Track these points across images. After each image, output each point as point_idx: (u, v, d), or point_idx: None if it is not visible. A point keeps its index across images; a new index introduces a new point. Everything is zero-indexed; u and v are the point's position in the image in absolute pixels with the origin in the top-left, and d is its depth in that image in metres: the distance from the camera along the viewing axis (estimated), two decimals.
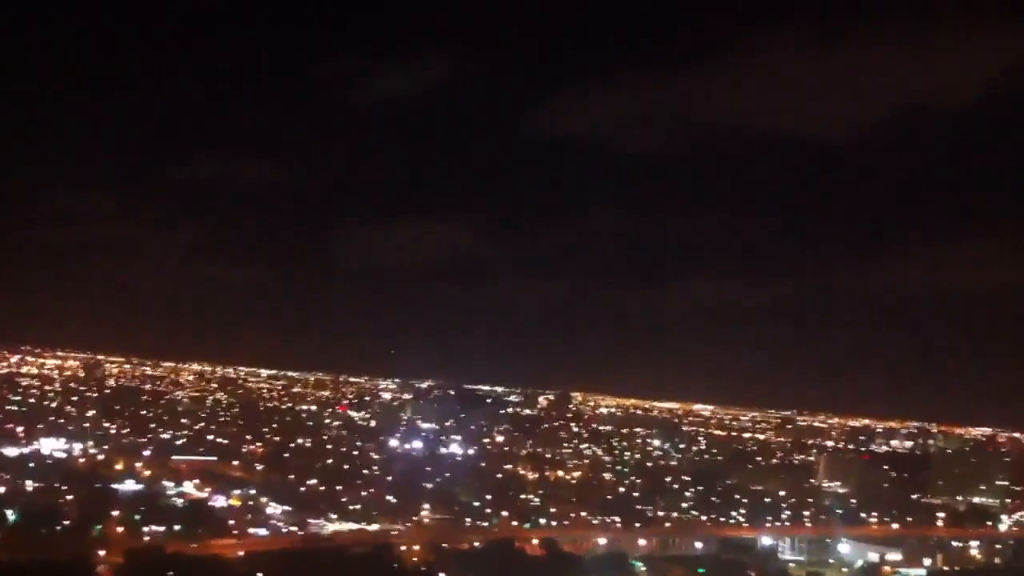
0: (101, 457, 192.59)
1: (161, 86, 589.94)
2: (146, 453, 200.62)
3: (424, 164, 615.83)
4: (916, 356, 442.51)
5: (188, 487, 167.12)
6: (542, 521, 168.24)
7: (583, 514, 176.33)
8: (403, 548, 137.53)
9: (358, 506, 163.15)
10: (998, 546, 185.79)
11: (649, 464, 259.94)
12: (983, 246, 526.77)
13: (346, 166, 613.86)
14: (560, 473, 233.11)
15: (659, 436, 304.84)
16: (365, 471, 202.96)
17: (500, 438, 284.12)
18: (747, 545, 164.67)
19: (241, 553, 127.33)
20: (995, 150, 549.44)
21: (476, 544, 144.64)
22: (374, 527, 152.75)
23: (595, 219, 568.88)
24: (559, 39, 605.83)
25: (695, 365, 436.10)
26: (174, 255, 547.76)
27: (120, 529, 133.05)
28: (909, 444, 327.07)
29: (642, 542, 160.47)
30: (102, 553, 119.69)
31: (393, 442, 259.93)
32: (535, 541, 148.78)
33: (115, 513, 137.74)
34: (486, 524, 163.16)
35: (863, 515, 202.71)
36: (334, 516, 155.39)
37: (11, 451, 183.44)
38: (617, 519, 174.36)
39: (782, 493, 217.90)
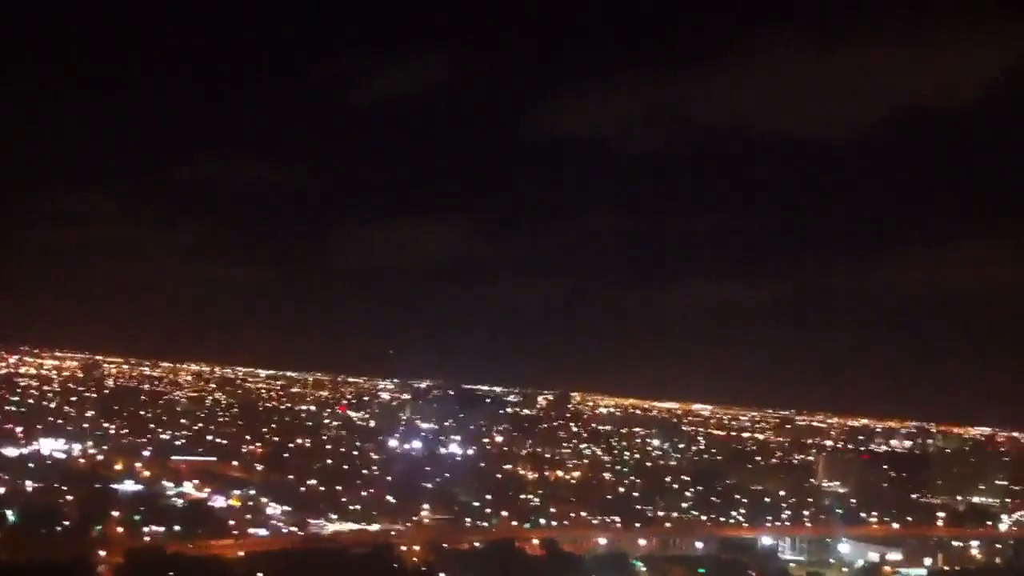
0: (101, 457, 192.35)
1: (161, 86, 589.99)
2: (146, 453, 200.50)
3: (424, 164, 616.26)
4: (915, 356, 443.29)
5: (188, 487, 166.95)
6: (542, 521, 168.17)
7: (583, 514, 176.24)
8: (403, 548, 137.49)
9: (358, 506, 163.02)
10: (998, 546, 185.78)
11: (649, 464, 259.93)
12: (983, 246, 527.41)
13: (346, 166, 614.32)
14: (560, 473, 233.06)
15: (659, 436, 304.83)
16: (365, 471, 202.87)
17: (499, 438, 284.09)
18: (747, 545, 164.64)
19: (241, 553, 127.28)
20: (995, 150, 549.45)
21: (476, 544, 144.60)
22: (374, 527, 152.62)
23: (595, 219, 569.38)
24: (559, 39, 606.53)
25: (695, 365, 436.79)
26: (174, 255, 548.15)
27: (120, 529, 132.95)
28: (908, 444, 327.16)
29: (642, 542, 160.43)
30: (102, 553, 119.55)
31: (392, 442, 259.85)
32: (535, 541, 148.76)
33: (115, 513, 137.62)
34: (486, 524, 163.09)
35: (863, 515, 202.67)
36: (334, 516, 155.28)
37: (10, 451, 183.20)
38: (617, 519, 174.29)
39: (782, 493, 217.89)
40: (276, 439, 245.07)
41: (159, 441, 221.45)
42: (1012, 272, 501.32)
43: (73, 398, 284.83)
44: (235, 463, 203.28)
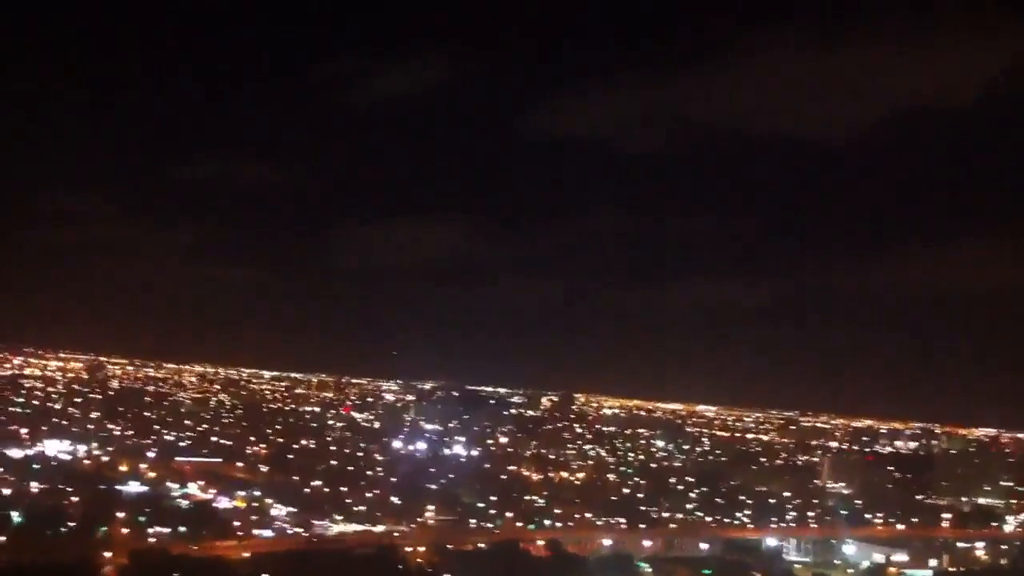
0: (105, 459, 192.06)
1: (161, 86, 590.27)
2: (150, 455, 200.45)
3: (424, 164, 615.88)
4: (920, 357, 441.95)
5: (192, 488, 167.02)
6: (546, 522, 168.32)
7: (587, 515, 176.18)
8: (408, 549, 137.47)
9: (362, 507, 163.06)
10: (1004, 547, 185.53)
11: (653, 465, 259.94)
12: (987, 246, 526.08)
13: (346, 166, 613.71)
14: (564, 474, 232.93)
15: (663, 437, 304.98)
16: (369, 472, 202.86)
17: (504, 439, 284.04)
18: (752, 546, 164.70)
19: (246, 554, 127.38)
20: (995, 150, 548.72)
21: (480, 545, 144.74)
22: (379, 528, 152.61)
23: (596, 219, 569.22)
24: (559, 39, 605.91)
25: (698, 366, 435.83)
26: (176, 256, 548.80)
27: (125, 531, 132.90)
28: (913, 445, 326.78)
29: (647, 543, 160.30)
30: (107, 555, 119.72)
31: (397, 443, 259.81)
32: (540, 542, 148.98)
33: (120, 515, 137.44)
34: (490, 525, 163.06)
35: (868, 516, 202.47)
36: (339, 517, 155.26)
37: (15, 453, 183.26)
38: (622, 520, 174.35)
39: (787, 494, 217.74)
40: (280, 440, 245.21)
41: (164, 442, 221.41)
42: (1016, 272, 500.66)
43: (78, 399, 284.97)
44: (240, 464, 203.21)
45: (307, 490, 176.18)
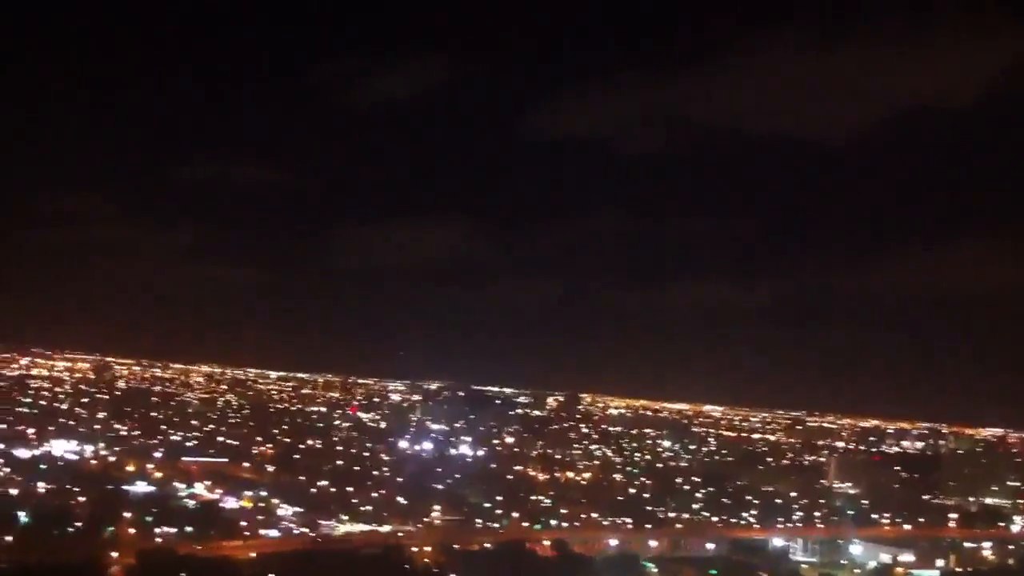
0: (112, 459, 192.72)
1: (162, 86, 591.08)
2: (157, 455, 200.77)
3: (427, 165, 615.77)
4: (926, 357, 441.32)
5: (199, 488, 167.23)
6: (553, 522, 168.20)
7: (594, 515, 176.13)
8: (414, 549, 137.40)
9: (369, 507, 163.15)
10: (1011, 547, 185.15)
11: (659, 465, 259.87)
12: (990, 245, 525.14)
13: (349, 166, 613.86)
14: (570, 474, 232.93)
15: (669, 437, 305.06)
16: (375, 472, 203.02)
17: (510, 439, 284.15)
18: (758, 546, 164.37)
19: (252, 554, 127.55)
20: (996, 150, 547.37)
21: (487, 545, 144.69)
22: (385, 528, 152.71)
23: (597, 220, 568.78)
24: (559, 39, 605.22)
25: (704, 366, 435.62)
26: (182, 257, 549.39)
27: (131, 531, 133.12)
28: (920, 445, 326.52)
29: (653, 543, 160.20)
30: (114, 555, 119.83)
31: (403, 443, 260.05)
32: (546, 542, 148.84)
33: (126, 515, 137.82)
34: (497, 525, 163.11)
35: (875, 516, 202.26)
36: (345, 517, 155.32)
37: (23, 453, 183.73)
38: (628, 520, 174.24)
39: (793, 494, 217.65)
40: (287, 440, 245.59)
41: (170, 442, 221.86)
42: (1020, 272, 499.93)
43: (85, 400, 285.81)
44: (246, 464, 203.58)
45: (313, 490, 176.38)
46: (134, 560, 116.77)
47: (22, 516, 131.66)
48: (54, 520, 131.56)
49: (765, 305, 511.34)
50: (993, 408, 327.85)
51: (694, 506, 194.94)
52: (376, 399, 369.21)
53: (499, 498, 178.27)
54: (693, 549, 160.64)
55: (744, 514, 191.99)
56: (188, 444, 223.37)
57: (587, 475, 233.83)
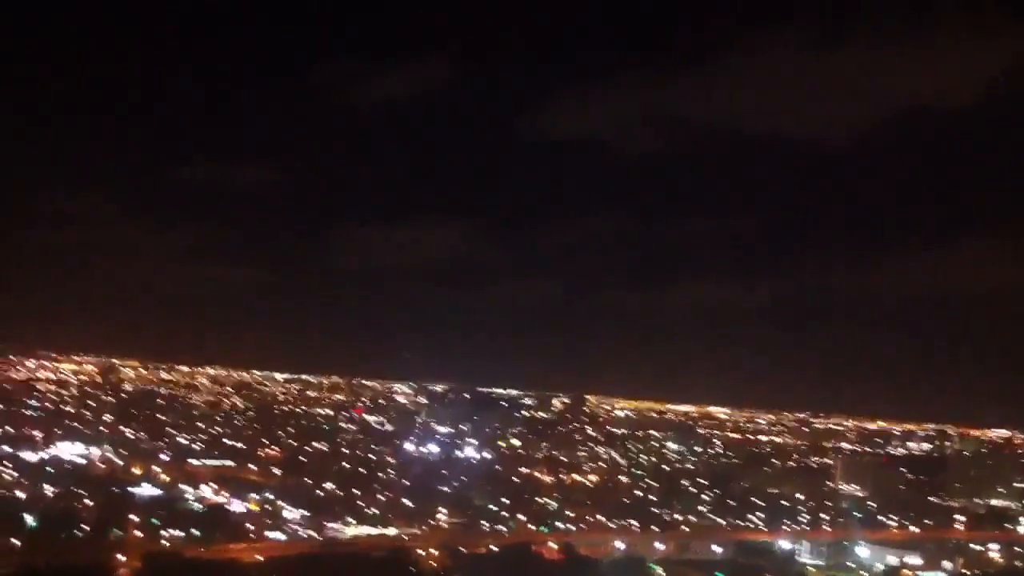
0: (119, 462, 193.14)
1: (163, 88, 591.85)
2: (163, 457, 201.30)
3: (429, 166, 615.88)
4: (932, 358, 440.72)
5: (206, 491, 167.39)
6: (559, 525, 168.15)
7: (600, 517, 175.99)
8: (420, 552, 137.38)
9: (375, 510, 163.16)
10: (1017, 548, 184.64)
11: (665, 467, 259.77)
12: (997, 245, 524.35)
13: (352, 168, 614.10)
14: (576, 476, 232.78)
15: (675, 439, 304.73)
16: (381, 475, 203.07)
17: (515, 441, 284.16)
18: (765, 548, 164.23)
19: (259, 557, 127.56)
20: (997, 150, 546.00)
21: (493, 548, 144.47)
22: (391, 531, 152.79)
23: (602, 220, 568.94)
24: (558, 41, 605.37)
25: (710, 368, 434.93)
26: (188, 258, 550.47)
27: (138, 533, 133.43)
28: (927, 447, 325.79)
29: (659, 545, 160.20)
30: (120, 557, 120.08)
31: (409, 446, 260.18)
32: (552, 545, 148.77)
33: (133, 517, 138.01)
34: (503, 528, 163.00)
35: (881, 518, 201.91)
36: (351, 520, 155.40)
37: (30, 456, 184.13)
38: (634, 522, 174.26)
39: (799, 496, 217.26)
40: (293, 443, 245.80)
41: (177, 445, 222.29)
42: None
43: (91, 402, 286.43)
44: (252, 467, 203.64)
45: (319, 493, 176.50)
46: (140, 563, 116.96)
47: (29, 519, 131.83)
48: (61, 523, 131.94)
49: (770, 306, 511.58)
50: (1000, 410, 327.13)
51: (700, 508, 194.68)
52: (382, 401, 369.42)
53: (505, 500, 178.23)
54: (699, 551, 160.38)
55: (750, 516, 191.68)
56: (194, 447, 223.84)
57: (593, 477, 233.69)
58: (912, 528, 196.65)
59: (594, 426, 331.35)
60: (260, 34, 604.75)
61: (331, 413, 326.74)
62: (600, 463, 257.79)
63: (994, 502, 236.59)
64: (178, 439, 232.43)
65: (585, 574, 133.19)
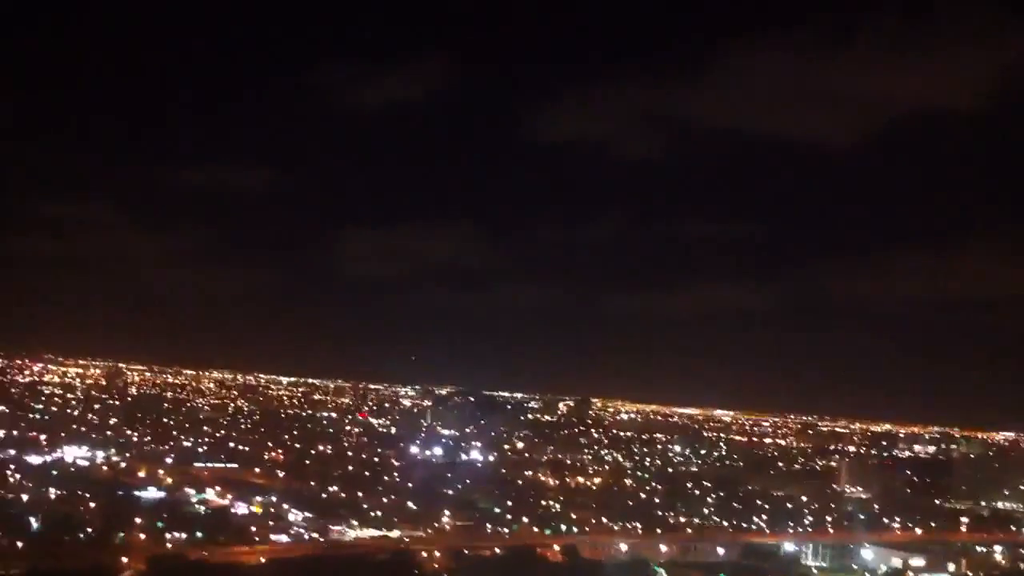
0: (123, 465, 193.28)
1: (160, 91, 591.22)
2: (168, 460, 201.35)
3: (430, 168, 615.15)
4: (937, 360, 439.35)
5: (210, 494, 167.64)
6: (563, 527, 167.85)
7: (604, 520, 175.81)
8: (424, 554, 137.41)
9: (379, 512, 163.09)
10: (1022, 551, 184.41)
11: (670, 470, 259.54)
12: (1004, 248, 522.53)
13: (355, 171, 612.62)
14: (581, 479, 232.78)
15: (679, 442, 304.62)
16: (386, 477, 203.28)
17: (520, 444, 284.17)
18: (769, 551, 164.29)
19: (263, 560, 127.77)
20: (1006, 153, 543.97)
21: (497, 550, 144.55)
22: (395, 533, 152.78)
23: (607, 223, 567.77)
24: (559, 42, 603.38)
25: (714, 370, 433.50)
26: (191, 261, 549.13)
27: (143, 536, 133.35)
28: (932, 449, 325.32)
29: (664, 548, 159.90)
30: (125, 560, 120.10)
31: (413, 448, 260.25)
32: (556, 547, 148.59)
33: (138, 520, 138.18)
34: (507, 530, 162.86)
35: (886, 520, 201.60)
36: (355, 522, 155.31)
37: (34, 459, 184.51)
38: (638, 525, 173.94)
39: (804, 499, 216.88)
40: (298, 446, 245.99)
41: (181, 448, 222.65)
42: None
43: (96, 406, 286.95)
44: (257, 470, 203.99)
45: (324, 495, 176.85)
46: (145, 566, 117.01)
47: (34, 522, 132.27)
48: (65, 526, 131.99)
49: (774, 309, 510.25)
50: (1005, 412, 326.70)
51: (705, 511, 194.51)
52: (387, 404, 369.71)
53: (509, 503, 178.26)
54: (704, 554, 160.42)
55: (755, 519, 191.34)
56: (199, 450, 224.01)
57: (597, 480, 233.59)
58: (916, 530, 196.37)
59: (599, 429, 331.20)
60: (260, 37, 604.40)
61: (335, 416, 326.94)
62: (605, 466, 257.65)
63: (999, 504, 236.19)
64: (183, 442, 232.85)
65: None
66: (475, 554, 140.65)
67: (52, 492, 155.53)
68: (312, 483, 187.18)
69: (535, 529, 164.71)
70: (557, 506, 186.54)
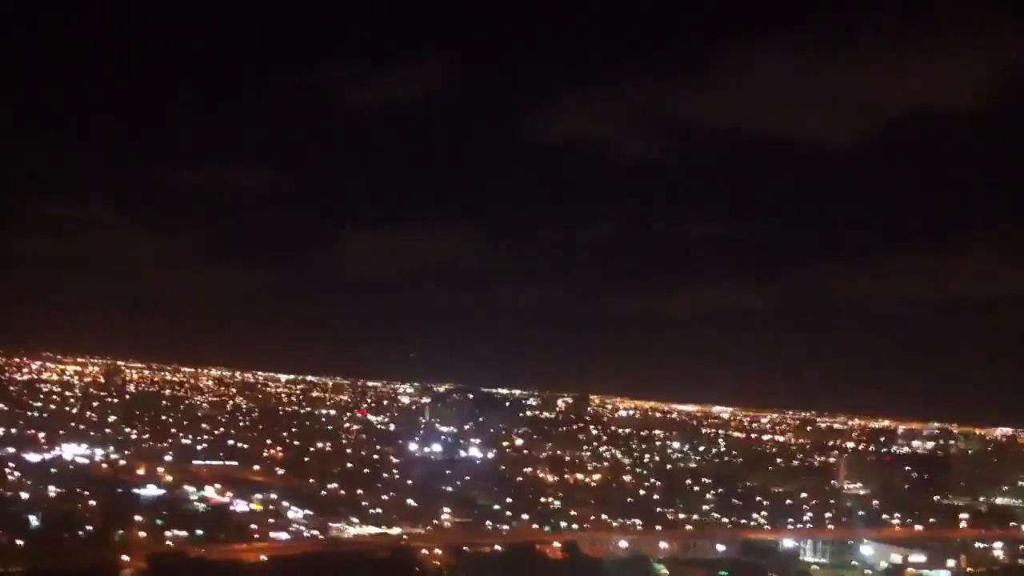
0: (123, 462, 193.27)
1: (160, 91, 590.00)
2: (167, 458, 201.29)
3: (430, 168, 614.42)
4: (936, 357, 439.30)
5: (209, 492, 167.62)
6: (562, 524, 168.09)
7: (603, 517, 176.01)
8: (423, 551, 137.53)
9: (378, 509, 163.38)
10: (1021, 547, 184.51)
11: (669, 466, 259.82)
12: (1003, 247, 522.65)
13: (353, 170, 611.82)
14: (580, 476, 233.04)
15: (678, 438, 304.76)
16: (385, 474, 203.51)
17: (519, 441, 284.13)
18: (769, 547, 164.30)
19: (263, 557, 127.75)
20: (1006, 153, 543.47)
21: (497, 547, 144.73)
22: (395, 530, 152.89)
23: (605, 222, 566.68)
24: (558, 42, 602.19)
25: (713, 367, 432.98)
26: (190, 260, 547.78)
27: (142, 534, 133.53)
28: (931, 445, 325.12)
29: (663, 545, 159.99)
30: (125, 558, 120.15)
31: (412, 445, 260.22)
32: (556, 544, 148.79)
33: (137, 518, 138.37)
34: (506, 527, 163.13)
35: (885, 516, 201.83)
36: (355, 519, 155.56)
37: (33, 457, 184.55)
38: (638, 521, 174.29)
39: (803, 495, 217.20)
40: (297, 443, 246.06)
41: (180, 445, 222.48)
42: None
43: (95, 403, 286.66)
44: (256, 467, 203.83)
45: (323, 492, 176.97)
46: (145, 564, 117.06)
47: (33, 520, 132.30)
48: (65, 524, 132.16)
49: (774, 309, 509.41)
50: (1004, 408, 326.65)
51: (704, 507, 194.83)
52: (385, 401, 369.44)
53: (509, 500, 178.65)
54: (703, 550, 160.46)
55: (754, 515, 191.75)
56: (198, 447, 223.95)
57: (597, 476, 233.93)
58: (916, 526, 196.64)
59: (598, 425, 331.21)
60: (259, 36, 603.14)
61: (335, 413, 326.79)
62: (604, 462, 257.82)
63: (998, 500, 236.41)
64: (182, 439, 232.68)
65: (589, 573, 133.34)
66: (475, 551, 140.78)
67: (52, 490, 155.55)
68: (311, 480, 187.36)
69: (535, 526, 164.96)
70: (557, 503, 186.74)
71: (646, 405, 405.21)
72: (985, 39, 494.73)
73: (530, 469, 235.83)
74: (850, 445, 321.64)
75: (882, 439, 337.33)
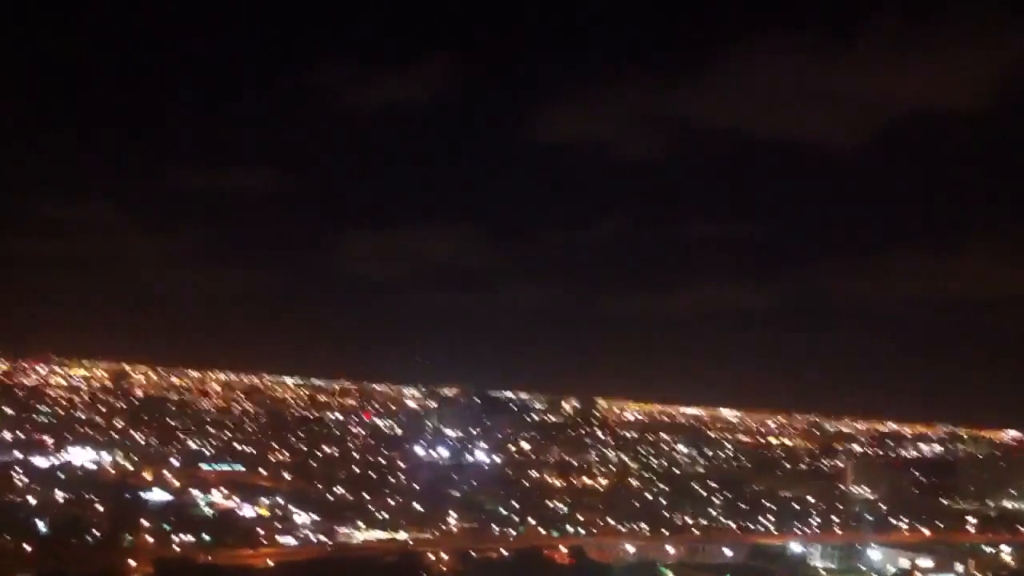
0: (130, 467, 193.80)
1: (161, 93, 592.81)
2: (174, 463, 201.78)
3: (431, 170, 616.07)
4: (944, 360, 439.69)
5: (216, 496, 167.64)
6: (569, 529, 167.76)
7: (610, 521, 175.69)
8: (431, 556, 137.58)
9: (385, 514, 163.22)
10: None
11: (676, 470, 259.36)
12: (1011, 248, 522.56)
13: (356, 173, 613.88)
14: (587, 480, 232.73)
15: (685, 442, 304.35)
16: (392, 479, 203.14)
17: (526, 445, 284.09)
18: (776, 552, 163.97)
19: (270, 562, 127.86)
20: (1007, 153, 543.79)
21: (503, 552, 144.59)
22: (402, 535, 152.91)
23: (611, 224, 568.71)
24: (560, 43, 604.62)
25: (720, 370, 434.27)
26: (196, 263, 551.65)
27: (150, 539, 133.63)
28: (939, 449, 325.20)
29: (670, 549, 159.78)
30: (132, 563, 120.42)
31: (419, 450, 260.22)
32: (563, 548, 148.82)
33: (145, 523, 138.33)
34: (513, 532, 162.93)
35: (893, 521, 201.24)
36: (362, 524, 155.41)
37: (41, 462, 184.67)
38: (645, 526, 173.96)
39: (811, 499, 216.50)
40: (303, 448, 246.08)
41: (187, 450, 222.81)
42: None
43: (102, 408, 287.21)
44: (263, 472, 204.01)
45: (330, 497, 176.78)
46: (152, 569, 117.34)
47: (41, 525, 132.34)
48: (73, 529, 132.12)
49: (779, 309, 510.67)
50: (1012, 411, 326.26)
51: (711, 512, 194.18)
52: (392, 406, 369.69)
53: (515, 504, 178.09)
54: (711, 555, 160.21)
55: (761, 519, 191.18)
56: (205, 452, 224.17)
57: (603, 481, 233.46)
58: (923, 531, 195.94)
59: (604, 429, 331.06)
60: (261, 37, 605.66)
61: (341, 417, 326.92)
62: (610, 466, 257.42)
63: (1006, 504, 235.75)
64: (189, 444, 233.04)
65: None
66: (482, 556, 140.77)
67: (59, 495, 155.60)
68: (318, 485, 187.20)
69: (542, 530, 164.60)
70: (563, 507, 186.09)
71: (653, 408, 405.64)
72: (985, 39, 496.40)
73: (537, 473, 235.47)
74: (858, 449, 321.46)
75: (890, 443, 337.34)
